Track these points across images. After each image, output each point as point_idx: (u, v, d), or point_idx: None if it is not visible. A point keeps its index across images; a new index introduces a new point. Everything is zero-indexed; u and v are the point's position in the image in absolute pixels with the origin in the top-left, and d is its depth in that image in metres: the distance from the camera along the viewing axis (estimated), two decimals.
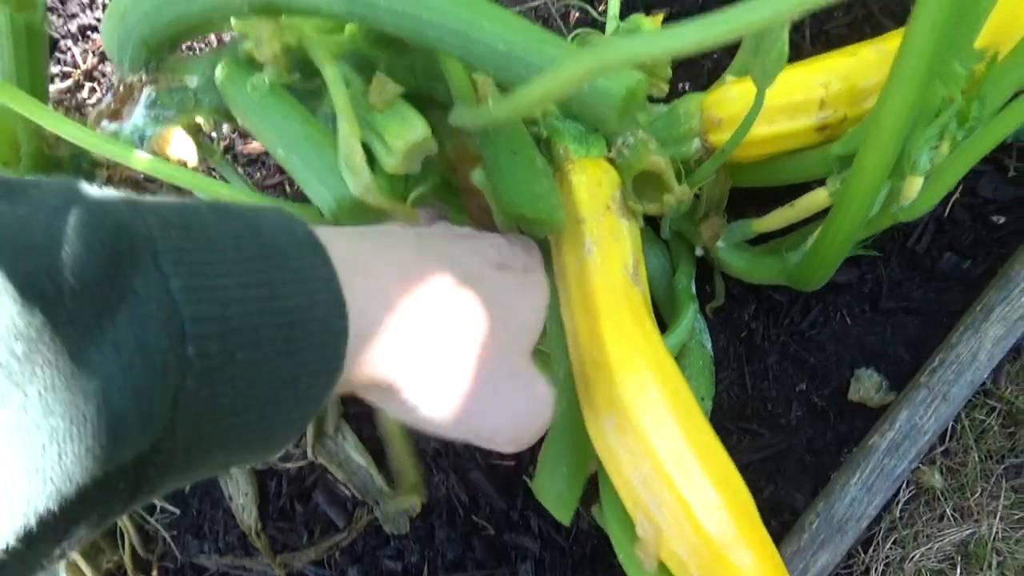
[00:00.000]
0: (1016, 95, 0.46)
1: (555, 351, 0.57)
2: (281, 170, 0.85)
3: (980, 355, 0.59)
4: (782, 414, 0.67)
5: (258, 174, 0.85)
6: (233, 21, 0.47)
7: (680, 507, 0.43)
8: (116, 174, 0.59)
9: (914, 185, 0.47)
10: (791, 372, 0.68)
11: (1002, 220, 0.68)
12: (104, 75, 0.94)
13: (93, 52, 0.95)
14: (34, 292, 0.24)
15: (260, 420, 0.30)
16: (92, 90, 0.94)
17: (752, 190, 0.66)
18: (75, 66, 0.95)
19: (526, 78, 0.40)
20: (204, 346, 0.27)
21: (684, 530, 0.43)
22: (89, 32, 0.97)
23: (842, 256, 0.52)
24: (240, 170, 0.85)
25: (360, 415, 0.82)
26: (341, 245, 0.33)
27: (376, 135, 0.51)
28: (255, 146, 0.88)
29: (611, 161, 0.56)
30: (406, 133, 0.51)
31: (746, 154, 0.56)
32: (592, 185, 0.52)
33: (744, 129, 0.52)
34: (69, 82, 0.94)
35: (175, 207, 0.29)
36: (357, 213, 0.44)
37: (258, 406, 0.30)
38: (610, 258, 0.50)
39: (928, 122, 0.44)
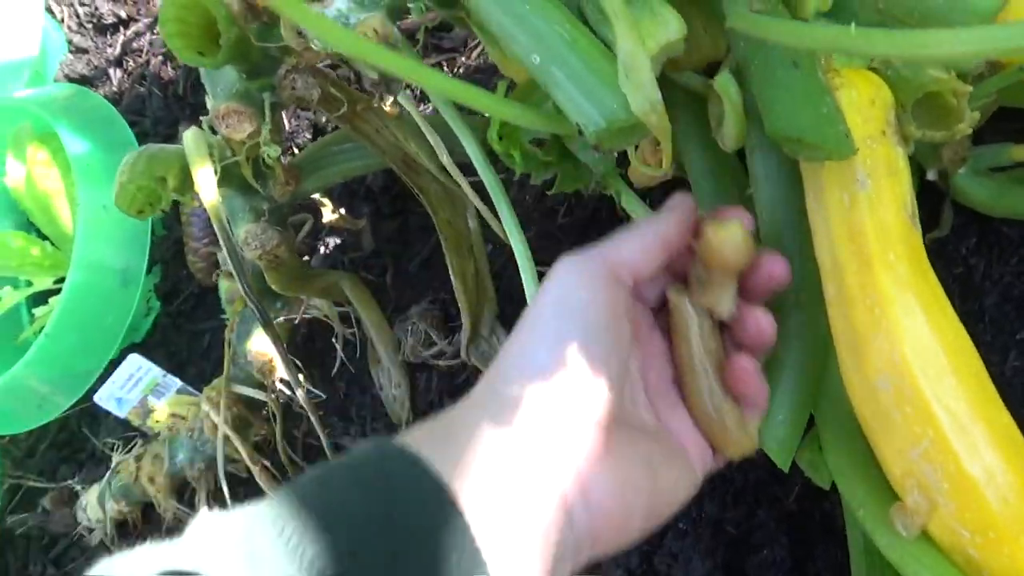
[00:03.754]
0: None
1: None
2: (439, 49, 0.78)
3: None
4: (996, 362, 0.62)
5: None
6: None
7: (968, 486, 0.39)
8: (303, 62, 0.53)
9: None
10: (1012, 317, 0.62)
11: None
12: None
13: None
14: None
15: None
16: None
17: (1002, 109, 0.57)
18: None
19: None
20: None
21: (970, 510, 0.39)
22: None
23: None
24: None
25: (516, 319, 0.79)
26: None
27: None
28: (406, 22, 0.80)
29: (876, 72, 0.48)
30: (659, 32, 0.43)
31: None
32: (864, 104, 0.45)
33: None
34: None
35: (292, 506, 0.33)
36: (627, 135, 0.38)
37: None
38: (886, 194, 0.43)
39: None
